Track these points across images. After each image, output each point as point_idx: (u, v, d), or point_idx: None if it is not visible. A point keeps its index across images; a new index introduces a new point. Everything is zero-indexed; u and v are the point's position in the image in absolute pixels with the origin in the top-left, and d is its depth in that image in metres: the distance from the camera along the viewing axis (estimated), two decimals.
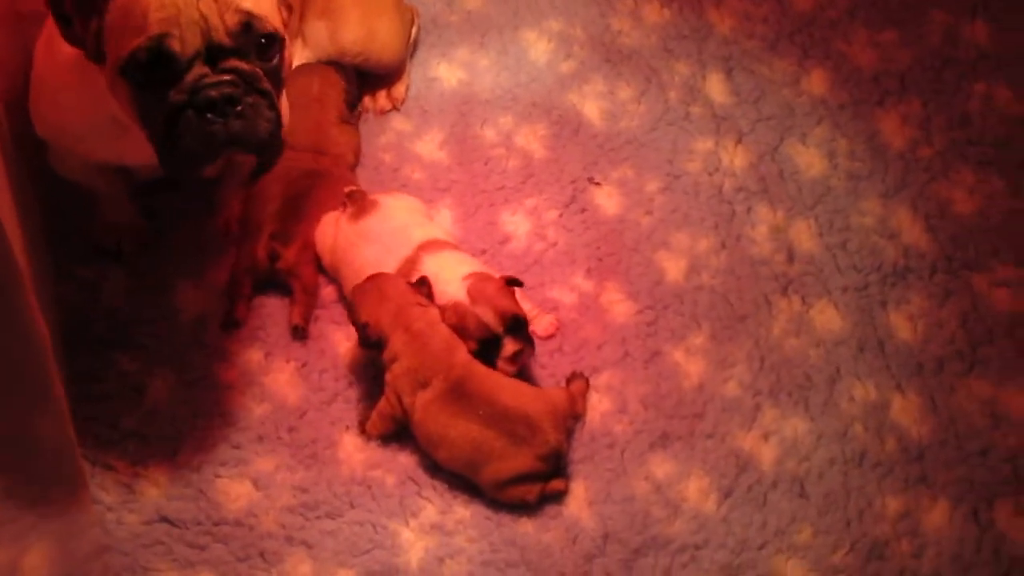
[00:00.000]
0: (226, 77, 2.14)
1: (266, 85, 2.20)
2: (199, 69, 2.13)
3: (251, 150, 2.22)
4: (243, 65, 2.16)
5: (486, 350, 2.57)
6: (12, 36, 2.62)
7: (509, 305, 2.58)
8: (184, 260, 2.85)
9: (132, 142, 2.38)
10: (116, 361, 2.69)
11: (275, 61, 2.23)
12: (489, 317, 2.55)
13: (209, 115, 2.13)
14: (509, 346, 2.58)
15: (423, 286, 2.61)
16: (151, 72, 2.13)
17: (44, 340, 1.93)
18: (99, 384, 2.65)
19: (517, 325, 2.59)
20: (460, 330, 2.56)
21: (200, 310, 2.77)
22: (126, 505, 2.51)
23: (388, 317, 2.55)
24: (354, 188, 2.78)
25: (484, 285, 2.60)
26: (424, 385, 2.50)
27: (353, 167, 2.99)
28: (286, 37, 2.26)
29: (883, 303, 2.82)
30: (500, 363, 2.58)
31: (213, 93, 2.12)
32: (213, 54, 2.13)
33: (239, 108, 2.15)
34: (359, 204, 2.76)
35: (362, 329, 2.56)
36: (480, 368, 2.54)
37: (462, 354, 2.54)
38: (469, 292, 2.58)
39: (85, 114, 2.43)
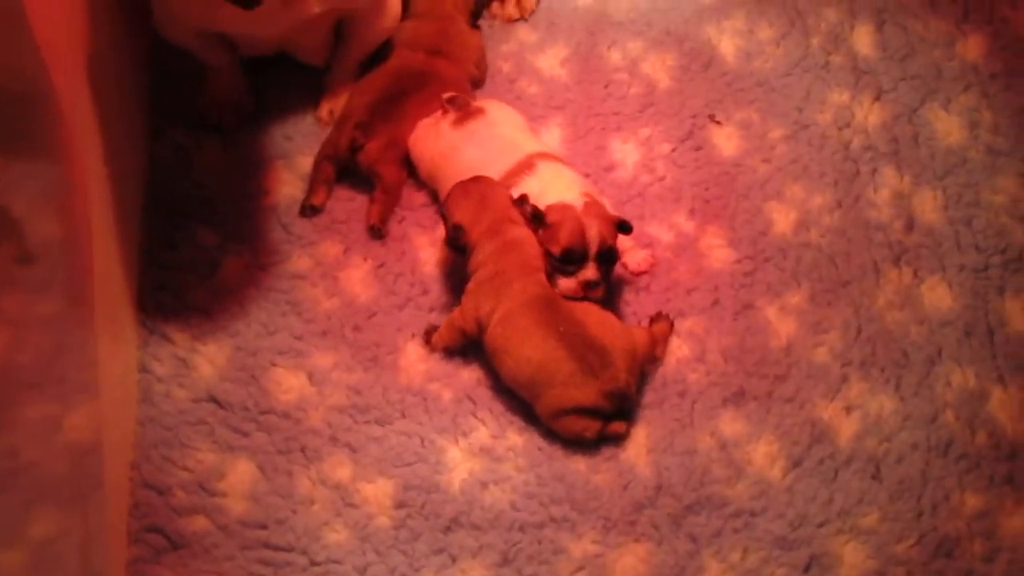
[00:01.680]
0: None
1: None
2: None
3: None
4: None
5: (566, 262, 2.44)
6: None
7: (612, 235, 2.47)
8: (281, 143, 2.79)
9: (232, 8, 2.32)
10: (195, 232, 2.64)
11: None
12: (592, 233, 2.43)
13: None
14: (591, 270, 2.45)
15: (524, 204, 2.50)
16: None
17: None
18: (173, 253, 2.61)
19: (609, 256, 2.47)
20: (555, 230, 2.44)
21: (287, 194, 2.71)
22: (177, 379, 2.47)
23: (483, 226, 2.46)
24: (455, 94, 2.67)
25: (600, 207, 2.49)
26: (507, 287, 2.41)
27: (477, 80, 2.89)
28: None
29: (1000, 288, 2.63)
30: (570, 283, 2.45)
31: None
32: None
33: None
34: (463, 109, 2.66)
35: (453, 229, 2.47)
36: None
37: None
38: (586, 204, 2.46)
39: None
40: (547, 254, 2.46)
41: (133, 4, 2.62)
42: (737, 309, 2.59)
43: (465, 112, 2.66)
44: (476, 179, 2.54)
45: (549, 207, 2.48)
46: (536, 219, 2.47)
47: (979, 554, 2.32)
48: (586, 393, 2.35)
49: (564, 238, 2.43)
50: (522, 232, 2.48)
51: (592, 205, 2.47)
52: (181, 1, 2.49)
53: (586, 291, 2.45)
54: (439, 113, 2.69)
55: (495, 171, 2.59)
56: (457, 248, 2.49)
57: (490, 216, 2.47)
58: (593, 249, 2.44)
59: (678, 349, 2.53)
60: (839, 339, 2.55)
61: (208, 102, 2.81)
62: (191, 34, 2.64)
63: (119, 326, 2.44)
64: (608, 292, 2.51)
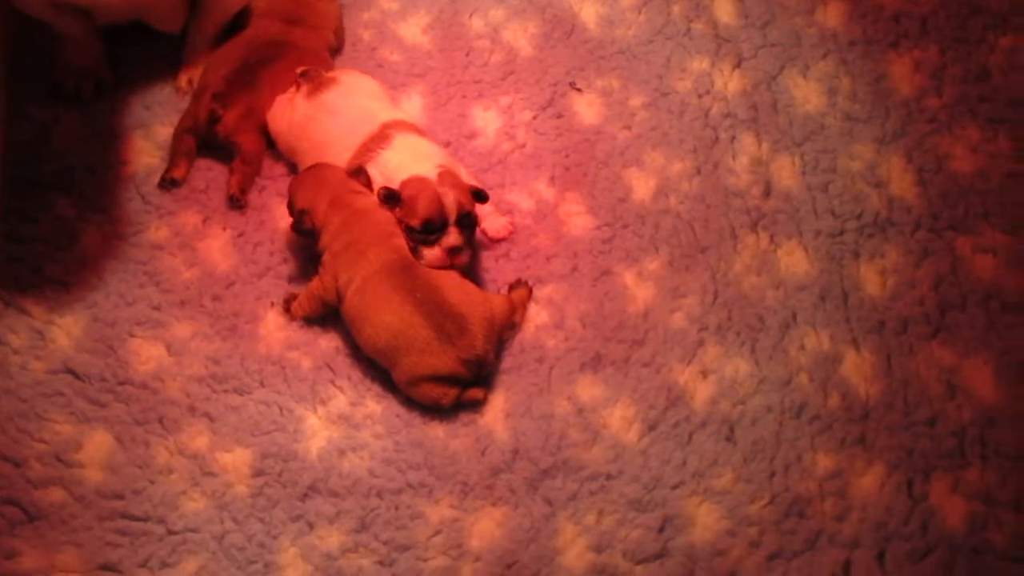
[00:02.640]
0: None
1: None
2: None
3: None
4: None
5: (427, 232, 2.45)
6: None
7: (470, 202, 2.49)
8: (140, 113, 2.77)
9: None
10: (54, 204, 2.62)
11: None
12: (448, 200, 2.44)
13: None
14: (453, 235, 2.46)
15: (360, 174, 2.52)
16: None
17: None
18: (32, 226, 2.59)
19: (468, 221, 2.49)
20: (412, 204, 2.45)
21: (147, 164, 2.70)
22: (33, 351, 2.45)
23: (324, 203, 2.47)
24: (307, 68, 2.67)
25: (454, 176, 2.51)
26: (363, 255, 2.41)
27: (334, 48, 2.88)
28: None
29: (856, 253, 2.67)
30: (435, 252, 2.46)
31: None
32: None
33: None
34: (315, 81, 2.66)
35: (298, 215, 2.49)
36: None
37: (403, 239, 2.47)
38: (441, 175, 2.47)
39: None
40: (407, 229, 2.46)
41: None
42: (596, 275, 2.62)
43: (318, 83, 2.66)
44: (309, 167, 2.57)
45: (403, 183, 2.49)
46: (391, 198, 2.47)
47: (831, 514, 2.36)
48: (443, 360, 2.36)
49: (422, 209, 2.44)
50: (367, 201, 2.49)
51: (446, 175, 2.49)
52: None
53: (452, 258, 2.46)
54: (294, 87, 2.68)
55: (350, 141, 2.60)
56: (304, 233, 2.49)
57: (329, 192, 2.48)
58: (452, 216, 2.46)
59: (537, 315, 2.55)
60: (696, 304, 2.59)
61: (64, 71, 2.77)
62: (45, 2, 2.60)
63: None
64: (471, 258, 2.53)
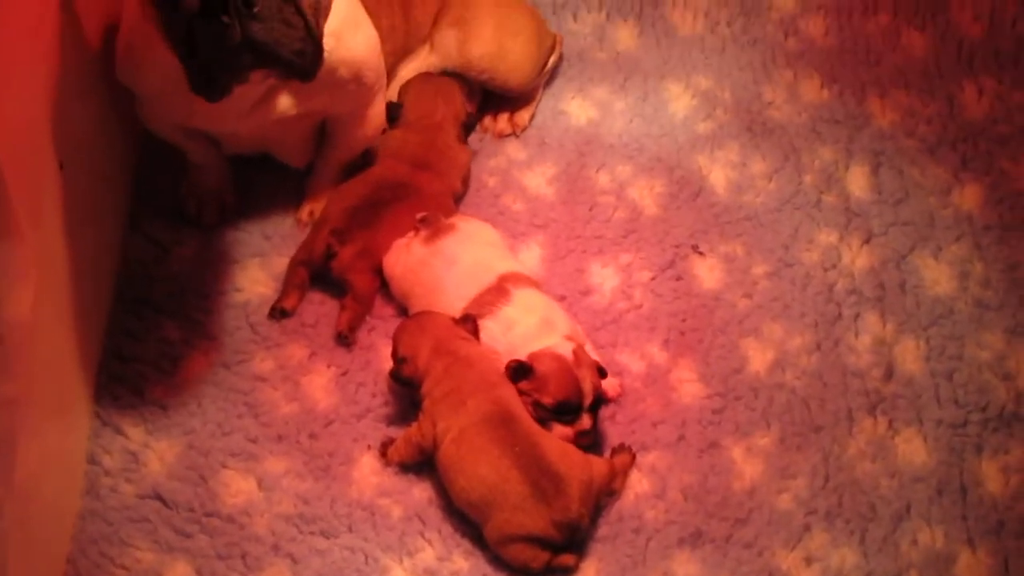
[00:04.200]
0: None
1: None
2: None
3: (276, 63, 2.14)
4: None
5: (559, 414, 2.40)
6: None
7: (600, 385, 2.45)
8: (259, 242, 2.77)
9: (210, 104, 2.32)
10: (162, 326, 2.61)
11: None
12: (587, 386, 2.40)
13: (224, 18, 2.04)
14: (586, 421, 2.42)
15: (468, 322, 2.48)
16: None
17: None
18: (136, 345, 2.58)
19: (599, 405, 2.45)
20: (545, 382, 2.40)
21: (260, 293, 2.68)
22: (125, 474, 2.42)
23: (427, 350, 2.43)
24: (427, 213, 2.65)
25: (586, 355, 2.45)
26: (463, 404, 2.36)
27: (459, 194, 2.86)
28: None
29: (978, 447, 2.54)
30: (563, 430, 2.41)
31: None
32: None
33: (255, 9, 2.06)
34: (433, 227, 2.63)
35: (398, 363, 2.45)
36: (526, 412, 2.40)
37: (511, 389, 2.40)
38: (576, 353, 2.42)
39: (155, 63, 2.38)
40: (535, 403, 2.40)
41: (118, 92, 2.61)
42: (702, 447, 2.52)
43: (436, 228, 2.63)
44: (414, 314, 2.54)
45: (535, 356, 2.43)
46: (520, 372, 2.42)
47: None
48: (536, 521, 2.27)
49: (557, 391, 2.39)
50: (472, 349, 2.44)
51: (580, 353, 2.43)
52: (160, 94, 2.48)
53: (579, 439, 2.41)
54: (412, 232, 2.66)
55: (465, 291, 2.56)
56: (402, 381, 2.45)
57: (432, 339, 2.44)
58: (588, 401, 2.41)
59: (638, 483, 2.46)
60: (805, 486, 2.48)
61: (188, 194, 2.79)
62: (174, 127, 2.63)
63: (71, 416, 2.41)
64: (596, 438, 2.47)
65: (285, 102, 2.50)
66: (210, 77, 2.15)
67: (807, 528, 2.42)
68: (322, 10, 2.25)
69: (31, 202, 2.10)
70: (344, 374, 2.57)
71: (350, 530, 2.37)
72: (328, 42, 2.37)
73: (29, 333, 2.01)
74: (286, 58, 2.14)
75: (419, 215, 2.64)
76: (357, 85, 2.57)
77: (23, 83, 2.12)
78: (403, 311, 2.65)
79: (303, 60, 2.18)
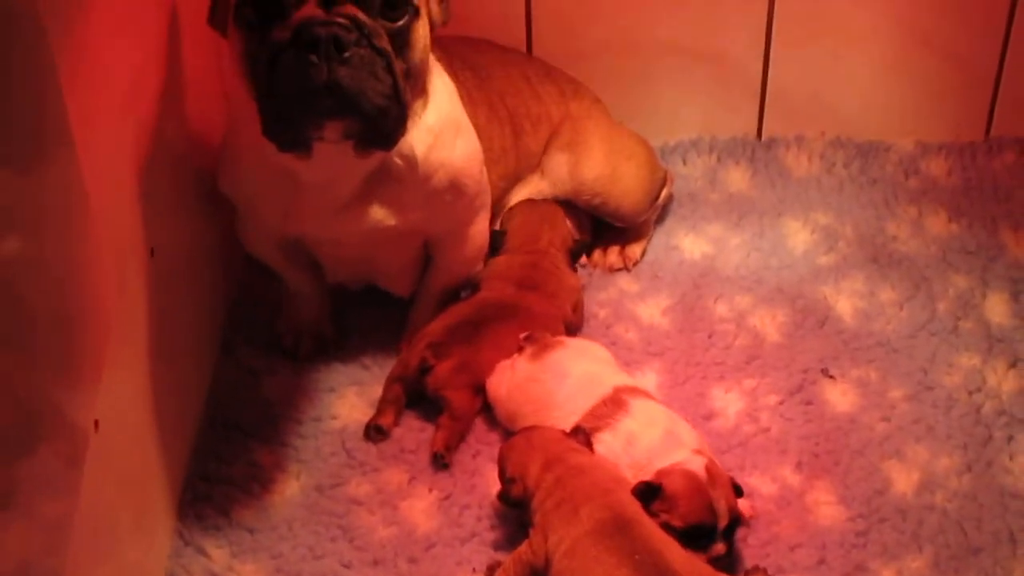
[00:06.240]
0: (339, 20, 1.99)
1: (384, 44, 2.03)
2: (310, 9, 2.00)
3: (357, 112, 2.04)
4: (361, 15, 2.01)
5: (691, 538, 2.14)
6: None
7: (736, 505, 2.20)
8: (357, 372, 2.62)
9: (304, 203, 2.28)
10: (252, 451, 2.44)
11: (401, 23, 2.08)
12: (721, 506, 2.16)
13: (312, 56, 1.96)
14: (720, 547, 2.16)
15: (580, 435, 2.29)
16: (261, 10, 2.02)
17: None
18: (224, 466, 2.41)
19: (734, 529, 2.21)
20: (675, 502, 2.15)
21: (357, 420, 2.51)
22: None
23: (537, 466, 2.22)
24: (531, 332, 2.50)
25: (721, 471, 2.23)
26: (575, 513, 2.11)
27: (574, 326, 2.70)
28: (420, 6, 2.13)
29: None
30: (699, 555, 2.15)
31: (320, 31, 1.96)
32: None
33: (347, 54, 1.98)
34: (540, 343, 2.48)
35: (506, 484, 2.25)
36: (648, 516, 2.13)
37: (629, 494, 2.16)
38: (709, 470, 2.19)
39: (253, 165, 2.34)
40: (665, 524, 2.14)
41: (220, 213, 2.53)
42: (847, 570, 2.24)
43: (544, 344, 2.47)
44: (523, 430, 2.35)
45: (664, 473, 2.20)
46: (649, 494, 2.17)
47: None
48: None
49: (689, 513, 2.14)
50: (584, 459, 2.23)
51: (714, 470, 2.20)
52: (256, 197, 2.41)
53: (712, 564, 2.14)
54: (517, 352, 2.49)
55: (577, 404, 2.37)
56: (511, 502, 2.24)
57: (542, 454, 2.23)
58: (723, 524, 2.16)
59: None
60: None
61: (285, 326, 2.67)
62: (274, 246, 2.54)
63: (153, 534, 2.22)
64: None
65: (379, 211, 2.38)
66: (286, 118, 2.06)
67: None
68: (412, 79, 2.17)
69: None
70: (447, 498, 2.36)
71: None
72: (425, 138, 2.30)
73: (86, 441, 1.83)
74: (368, 111, 2.04)
75: (523, 334, 2.48)
76: (455, 196, 2.46)
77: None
78: (509, 435, 2.45)
79: (384, 120, 2.09)
